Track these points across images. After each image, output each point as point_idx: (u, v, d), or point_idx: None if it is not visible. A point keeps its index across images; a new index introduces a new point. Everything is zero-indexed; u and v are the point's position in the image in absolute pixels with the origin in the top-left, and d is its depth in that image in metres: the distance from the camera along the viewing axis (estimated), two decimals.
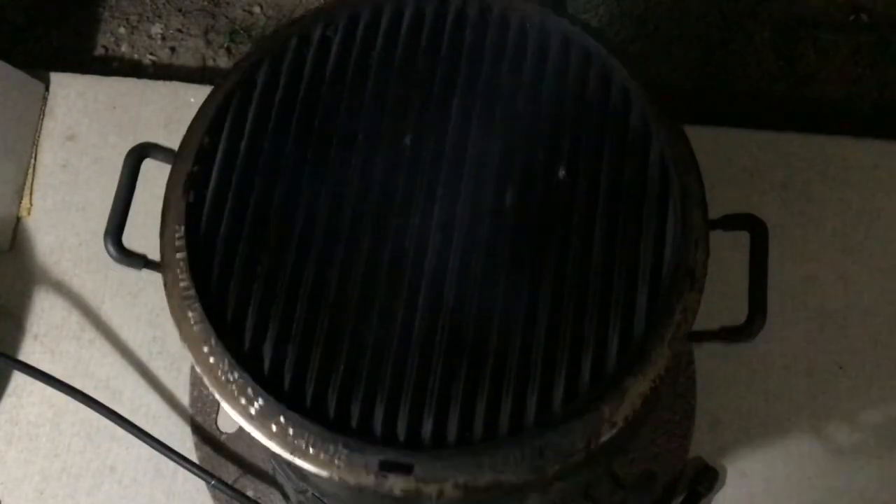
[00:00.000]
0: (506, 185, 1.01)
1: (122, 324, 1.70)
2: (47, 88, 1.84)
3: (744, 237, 1.09)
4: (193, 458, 1.56)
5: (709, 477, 1.53)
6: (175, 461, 1.50)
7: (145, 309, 1.70)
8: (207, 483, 1.49)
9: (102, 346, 1.69)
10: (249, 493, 1.52)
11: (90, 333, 1.69)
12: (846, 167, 1.73)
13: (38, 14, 1.98)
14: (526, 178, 1.01)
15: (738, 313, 1.06)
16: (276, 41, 1.09)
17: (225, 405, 0.96)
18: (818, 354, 1.63)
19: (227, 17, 1.97)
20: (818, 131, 1.76)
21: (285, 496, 1.48)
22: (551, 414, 0.92)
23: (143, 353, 1.68)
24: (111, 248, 1.06)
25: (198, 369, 0.98)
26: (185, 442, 1.60)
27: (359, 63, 1.07)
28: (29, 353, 1.68)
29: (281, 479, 1.43)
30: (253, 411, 0.94)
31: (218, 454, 1.58)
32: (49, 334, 1.70)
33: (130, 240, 1.08)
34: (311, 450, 0.93)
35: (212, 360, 0.97)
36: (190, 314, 0.98)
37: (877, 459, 1.57)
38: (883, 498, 1.55)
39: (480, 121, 1.04)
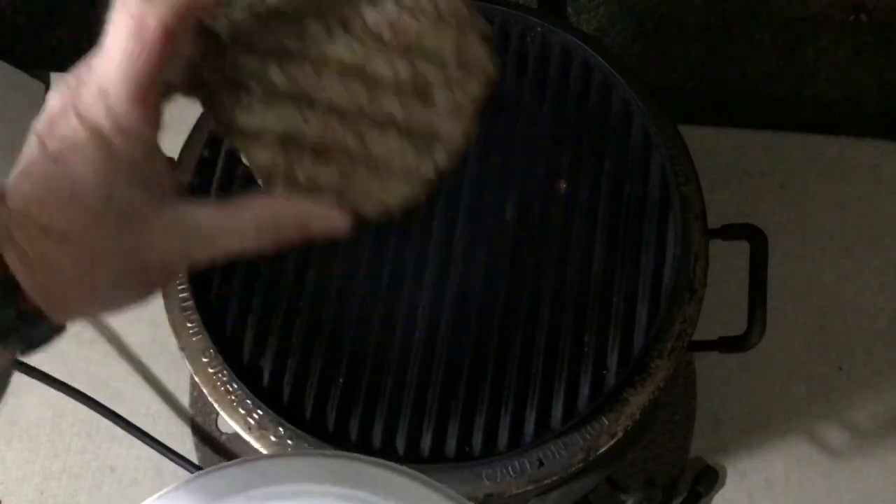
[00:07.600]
0: (506, 199, 1.01)
1: (123, 324, 1.69)
2: (47, 88, 1.83)
3: (744, 241, 1.09)
4: (194, 458, 1.56)
5: (709, 477, 1.53)
6: (175, 461, 1.50)
7: (146, 309, 1.68)
8: None
9: (102, 347, 1.68)
10: None
11: (90, 333, 1.69)
12: (846, 167, 1.72)
13: (38, 14, 1.97)
14: (526, 191, 1.01)
15: (737, 318, 1.06)
16: None
17: (224, 415, 0.97)
18: (818, 355, 1.62)
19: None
20: (818, 131, 1.76)
21: None
22: (550, 429, 0.93)
23: (143, 354, 1.67)
24: None
25: (196, 379, 0.98)
26: (185, 442, 1.60)
27: None
28: None
29: None
30: (252, 422, 0.95)
31: (218, 455, 1.58)
32: None
33: None
34: None
35: (210, 370, 0.97)
36: (188, 324, 0.99)
37: (877, 460, 1.57)
38: (883, 498, 1.55)
39: (480, 134, 1.03)
